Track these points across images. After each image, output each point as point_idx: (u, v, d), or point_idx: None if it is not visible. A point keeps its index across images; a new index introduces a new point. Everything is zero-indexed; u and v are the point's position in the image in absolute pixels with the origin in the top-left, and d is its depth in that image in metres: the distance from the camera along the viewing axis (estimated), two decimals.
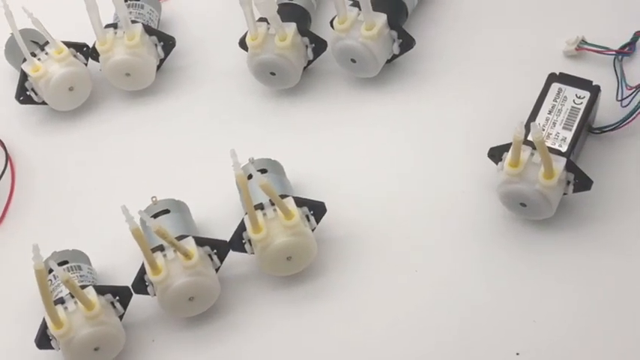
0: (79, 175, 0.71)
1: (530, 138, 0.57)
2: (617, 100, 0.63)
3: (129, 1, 0.75)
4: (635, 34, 0.66)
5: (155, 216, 0.63)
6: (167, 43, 0.73)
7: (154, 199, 0.64)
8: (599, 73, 0.66)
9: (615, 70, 0.66)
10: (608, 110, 0.64)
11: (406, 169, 0.66)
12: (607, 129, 0.63)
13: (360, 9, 0.67)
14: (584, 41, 0.67)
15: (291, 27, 0.68)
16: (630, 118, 0.62)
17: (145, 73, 0.73)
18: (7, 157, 0.72)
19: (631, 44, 0.66)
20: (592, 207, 0.61)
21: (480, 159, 0.63)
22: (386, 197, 0.65)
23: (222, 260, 0.62)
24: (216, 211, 0.66)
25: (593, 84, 0.62)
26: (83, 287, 0.58)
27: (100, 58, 0.72)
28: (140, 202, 0.63)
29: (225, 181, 0.65)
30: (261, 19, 0.69)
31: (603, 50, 0.66)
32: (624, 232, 0.60)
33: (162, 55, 0.74)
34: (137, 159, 0.71)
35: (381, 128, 0.69)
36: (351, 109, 0.70)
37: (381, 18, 0.67)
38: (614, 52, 0.66)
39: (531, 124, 0.57)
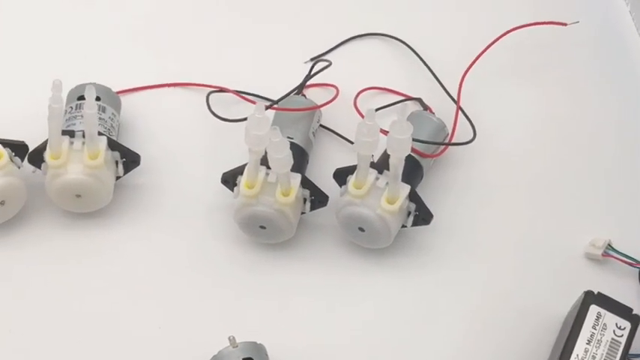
0: None
1: None
2: None
3: None
4: None
5: None
6: (130, 160, 0.60)
7: None
8: (622, 283, 0.60)
9: None
10: None
11: None
12: None
13: (379, 172, 0.57)
14: (610, 246, 0.61)
15: (297, 179, 0.57)
16: None
17: (99, 196, 0.59)
18: None
19: None
20: None
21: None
22: None
23: None
24: None
25: (633, 312, 0.55)
26: None
27: (48, 173, 0.57)
28: None
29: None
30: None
31: (633, 262, 0.60)
32: None
33: (121, 173, 0.60)
34: (65, 305, 0.57)
35: (377, 305, 0.59)
36: (346, 276, 0.60)
37: (405, 190, 0.57)
38: None
39: None
